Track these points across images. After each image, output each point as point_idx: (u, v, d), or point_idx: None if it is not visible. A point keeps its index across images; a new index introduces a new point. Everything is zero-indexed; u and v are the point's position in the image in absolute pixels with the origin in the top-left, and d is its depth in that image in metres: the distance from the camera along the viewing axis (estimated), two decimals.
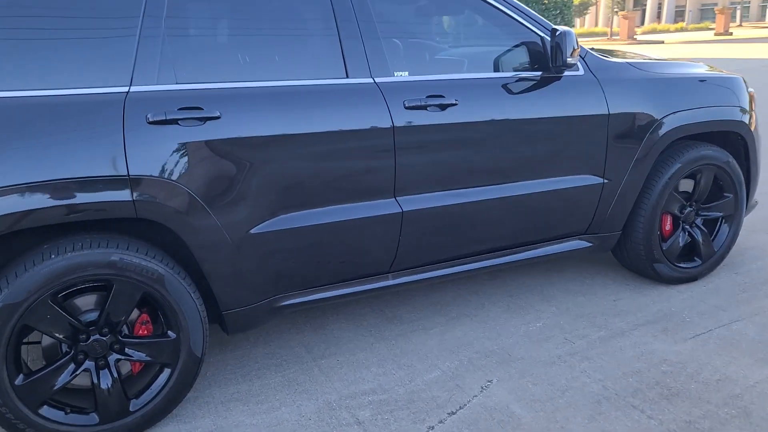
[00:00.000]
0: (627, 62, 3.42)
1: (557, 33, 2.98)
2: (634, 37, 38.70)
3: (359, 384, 2.86)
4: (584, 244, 3.46)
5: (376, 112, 2.74)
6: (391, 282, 3.02)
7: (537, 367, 2.94)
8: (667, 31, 48.76)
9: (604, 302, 3.55)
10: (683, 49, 24.45)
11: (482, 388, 2.80)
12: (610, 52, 4.09)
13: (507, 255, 3.27)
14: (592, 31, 55.93)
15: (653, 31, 48.59)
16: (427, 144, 2.86)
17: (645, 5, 57.49)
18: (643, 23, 56.80)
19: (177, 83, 2.47)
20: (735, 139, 3.71)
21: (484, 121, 2.96)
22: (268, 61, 2.66)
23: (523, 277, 3.91)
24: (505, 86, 3.03)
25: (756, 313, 3.36)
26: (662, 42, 34.20)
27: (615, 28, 42.80)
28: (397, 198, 2.86)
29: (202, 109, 2.45)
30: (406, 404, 2.71)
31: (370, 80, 2.76)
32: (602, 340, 3.14)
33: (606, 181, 3.32)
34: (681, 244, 3.64)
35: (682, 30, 48.32)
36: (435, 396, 2.75)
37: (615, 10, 44.71)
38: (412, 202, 2.89)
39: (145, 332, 2.57)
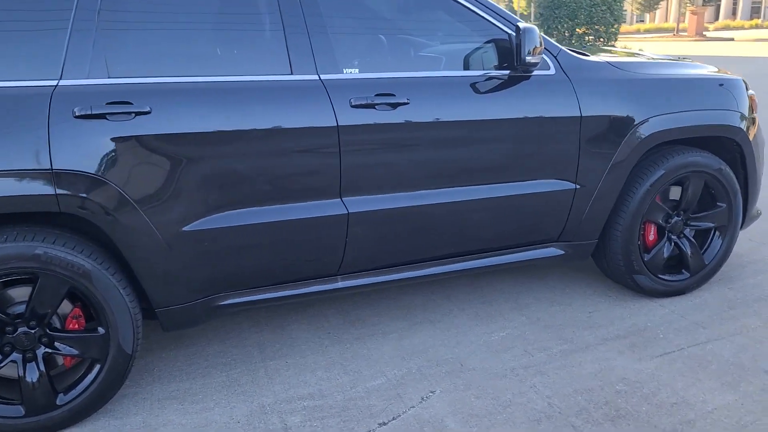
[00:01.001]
0: (606, 61, 3.23)
1: (519, 30, 2.83)
2: (704, 33, 37.33)
3: (299, 388, 2.79)
4: (556, 251, 3.30)
5: (319, 110, 2.66)
6: (340, 284, 2.94)
7: (486, 379, 2.81)
8: (741, 27, 46.88)
9: (579, 313, 3.38)
10: (753, 48, 23.40)
11: (422, 398, 2.70)
12: (608, 51, 3.91)
13: (469, 261, 3.14)
14: (660, 27, 54.20)
15: (726, 28, 46.81)
16: (375, 144, 2.77)
17: (720, 1, 55.36)
18: (717, 19, 54.76)
19: (109, 77, 2.44)
20: (731, 146, 3.47)
21: (439, 122, 2.84)
22: (207, 56, 2.62)
23: (502, 283, 3.77)
24: (465, 85, 2.91)
25: (738, 332, 3.13)
26: (732, 39, 32.87)
27: (684, 24, 41.48)
28: (343, 199, 2.77)
29: (132, 103, 2.42)
30: (339, 412, 2.63)
31: (315, 77, 2.68)
32: (563, 354, 2.99)
33: (578, 186, 3.15)
34: (665, 256, 3.43)
35: (757, 27, 46.39)
36: (371, 405, 2.66)
37: (686, 4, 43.25)
38: (359, 204, 2.80)
39: (77, 326, 2.56)
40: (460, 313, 3.43)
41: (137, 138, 2.42)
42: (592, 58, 3.25)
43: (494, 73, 2.97)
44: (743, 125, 3.40)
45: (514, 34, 2.92)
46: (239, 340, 3.22)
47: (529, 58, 2.82)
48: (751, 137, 3.45)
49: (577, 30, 14.18)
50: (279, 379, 2.86)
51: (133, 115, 2.42)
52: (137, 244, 2.49)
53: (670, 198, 3.48)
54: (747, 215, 3.64)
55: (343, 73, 2.74)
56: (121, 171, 2.41)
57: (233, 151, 2.56)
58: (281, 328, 3.32)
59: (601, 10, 13.94)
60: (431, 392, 2.74)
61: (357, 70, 2.78)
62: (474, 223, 3.02)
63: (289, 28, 2.68)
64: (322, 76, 2.69)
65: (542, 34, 3.11)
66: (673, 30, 43.81)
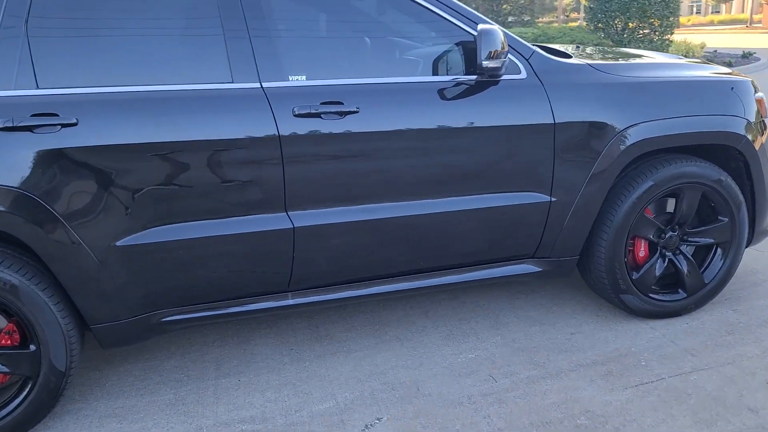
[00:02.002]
0: (587, 64, 2.98)
1: (477, 32, 2.62)
2: None
3: (243, 410, 2.67)
4: (532, 268, 3.07)
5: (259, 120, 2.52)
6: (291, 302, 2.80)
7: (439, 406, 2.63)
8: None
9: (559, 335, 3.14)
10: None
11: (366, 426, 2.53)
12: (605, 52, 3.64)
13: (434, 277, 2.95)
14: (735, 18, 51.78)
15: None
16: (321, 156, 2.61)
17: None
18: None
19: (38, 88, 2.38)
20: (734, 154, 3.16)
21: (393, 131, 2.66)
22: (141, 65, 2.51)
23: (485, 299, 3.55)
24: (425, 92, 2.72)
25: (730, 361, 2.84)
26: None
27: (759, 16, 39.73)
28: (288, 212, 2.63)
29: (58, 115, 2.35)
30: None
31: (257, 85, 2.55)
32: (530, 381, 2.77)
33: (553, 199, 2.92)
34: (657, 274, 3.15)
35: None
36: (311, 431, 2.52)
37: None
38: (306, 218, 2.65)
39: (10, 342, 2.51)
40: (434, 331, 3.24)
41: (63, 151, 2.35)
42: (572, 60, 3.00)
43: (459, 78, 2.77)
44: (747, 132, 3.08)
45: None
46: (200, 354, 3.12)
47: (487, 63, 2.61)
48: (757, 145, 3.12)
49: (629, 24, 13.59)
50: (226, 399, 2.75)
51: (59, 127, 2.34)
52: (66, 259, 2.42)
53: (667, 211, 3.20)
54: (756, 230, 3.31)
55: (288, 80, 2.60)
56: (46, 185, 2.34)
57: (166, 164, 2.46)
58: (246, 342, 3.21)
59: (655, 3, 13.30)
60: (377, 419, 2.57)
61: (304, 77, 2.63)
62: (435, 239, 2.83)
63: (229, 34, 2.55)
64: (265, 84, 2.56)
65: (514, 35, 2.89)
66: (746, 22, 41.82)
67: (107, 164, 2.40)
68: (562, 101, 2.83)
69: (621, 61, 3.21)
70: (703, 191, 3.09)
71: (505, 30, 2.84)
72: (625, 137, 2.89)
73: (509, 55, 2.82)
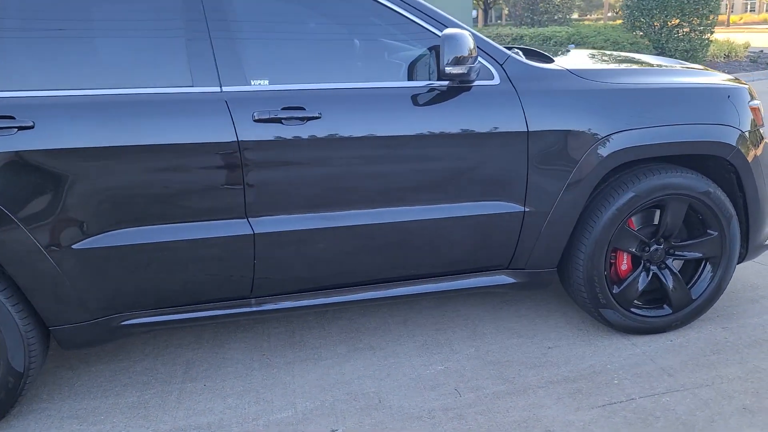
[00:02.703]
0: (566, 69, 2.87)
1: (440, 37, 2.55)
2: None
3: (202, 416, 2.66)
4: (507, 279, 2.98)
5: (218, 125, 2.50)
6: (254, 308, 2.77)
7: (398, 419, 2.57)
8: None
9: (536, 348, 3.05)
10: None
11: None
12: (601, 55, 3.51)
13: (402, 287, 2.88)
14: None
15: None
16: (282, 162, 2.57)
17: None
18: None
19: None
20: (725, 165, 3.01)
21: (356, 138, 2.61)
22: (99, 68, 2.50)
23: (467, 308, 3.48)
24: (392, 97, 2.66)
25: (708, 383, 2.71)
26: None
27: None
28: (249, 219, 2.60)
29: (14, 118, 2.36)
30: None
31: (217, 89, 2.52)
32: (495, 397, 2.69)
33: (527, 209, 2.82)
34: (640, 288, 3.03)
35: None
36: None
37: None
38: (267, 224, 2.62)
39: None
40: (409, 340, 3.18)
41: (19, 153, 2.36)
42: (551, 65, 2.90)
43: (429, 84, 2.70)
44: (739, 142, 2.93)
45: None
46: (173, 356, 3.12)
47: (450, 69, 2.53)
48: (750, 156, 2.97)
49: (668, 22, 13.19)
50: (187, 404, 2.74)
51: (16, 129, 2.35)
52: (23, 263, 2.44)
53: (654, 223, 3.07)
54: (751, 245, 3.15)
55: (250, 84, 2.57)
56: (1, 188, 2.35)
57: (124, 168, 2.45)
58: (220, 346, 3.20)
59: (694, 1, 12.88)
60: (332, 431, 2.53)
61: (267, 82, 2.59)
62: (400, 248, 2.77)
63: (190, 36, 2.53)
64: (225, 88, 2.53)
65: (489, 40, 2.81)
66: None
67: (64, 167, 2.40)
68: (537, 108, 2.74)
69: (609, 66, 3.09)
70: (690, 203, 2.96)
71: (477, 34, 2.76)
72: (604, 146, 2.78)
73: (482, 60, 2.74)
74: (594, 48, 13.00)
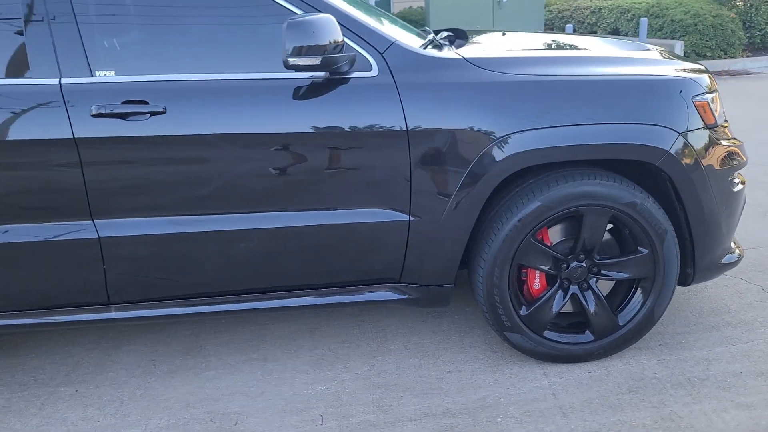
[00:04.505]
0: (462, 58, 2.49)
1: (284, 25, 2.23)
2: None
3: (53, 426, 2.52)
4: (397, 295, 2.66)
5: (53, 120, 2.32)
6: (114, 315, 2.60)
7: None
8: None
9: (434, 372, 2.72)
10: None
11: None
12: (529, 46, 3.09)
13: (275, 299, 2.63)
14: None
15: None
16: (124, 161, 2.37)
17: None
18: None
19: None
20: (660, 173, 2.56)
21: (206, 135, 2.36)
22: None
23: (387, 318, 3.18)
24: (247, 90, 2.39)
25: (604, 429, 2.31)
26: None
27: None
28: (95, 221, 2.42)
29: None
30: None
31: (55, 81, 2.33)
32: (357, 427, 2.40)
33: (413, 218, 2.49)
34: (554, 310, 2.64)
35: None
36: None
37: None
38: (113, 228, 2.43)
39: None
40: (307, 353, 2.93)
41: None
42: (443, 54, 2.53)
43: (298, 75, 2.40)
44: (673, 146, 2.47)
45: None
46: (64, 356, 3.01)
47: (294, 60, 2.23)
48: (687, 160, 2.50)
49: None
50: (47, 411, 2.62)
51: None
52: None
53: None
54: (698, 265, 2.69)
55: (93, 76, 2.36)
56: None
57: None
58: (115, 348, 3.06)
59: None
60: None
61: (113, 72, 2.38)
62: (262, 256, 2.51)
63: (27, 22, 2.35)
64: (64, 80, 2.34)
65: (369, 24, 2.48)
66: None
67: None
68: (419, 104, 2.39)
69: (521, 55, 2.68)
70: (614, 215, 2.53)
71: (357, 18, 2.46)
72: (501, 148, 2.41)
73: (359, 48, 2.42)
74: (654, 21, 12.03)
